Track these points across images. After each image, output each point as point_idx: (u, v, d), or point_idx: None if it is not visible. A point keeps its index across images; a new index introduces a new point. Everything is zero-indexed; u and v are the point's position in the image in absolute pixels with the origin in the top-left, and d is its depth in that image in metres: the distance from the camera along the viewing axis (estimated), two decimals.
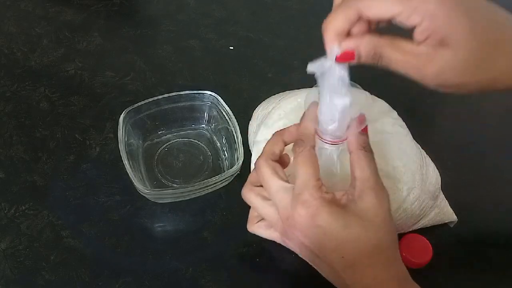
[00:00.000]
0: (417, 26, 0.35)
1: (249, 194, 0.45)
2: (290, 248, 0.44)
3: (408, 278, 0.41)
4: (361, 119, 0.41)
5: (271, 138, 0.44)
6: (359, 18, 0.38)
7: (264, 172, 0.42)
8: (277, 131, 0.44)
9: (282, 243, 0.45)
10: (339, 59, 0.39)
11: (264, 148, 0.44)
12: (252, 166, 0.55)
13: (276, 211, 0.42)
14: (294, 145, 0.42)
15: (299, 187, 0.40)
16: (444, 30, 0.34)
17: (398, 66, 0.37)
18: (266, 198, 0.44)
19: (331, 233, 0.39)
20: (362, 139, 0.41)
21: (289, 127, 0.44)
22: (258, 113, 0.59)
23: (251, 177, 0.46)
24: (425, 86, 0.37)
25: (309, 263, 0.43)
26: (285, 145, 0.44)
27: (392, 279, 0.40)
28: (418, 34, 0.36)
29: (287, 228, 0.41)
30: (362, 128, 0.41)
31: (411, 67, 0.36)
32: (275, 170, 0.42)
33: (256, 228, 0.48)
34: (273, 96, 0.60)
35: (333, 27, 0.40)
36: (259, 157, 0.43)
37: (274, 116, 0.54)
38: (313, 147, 0.41)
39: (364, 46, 0.38)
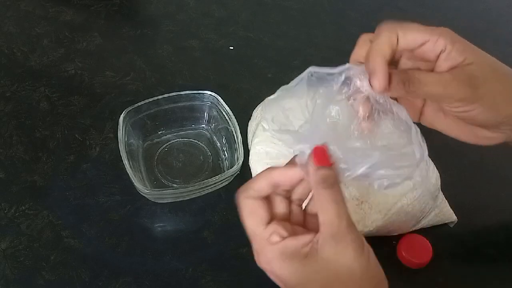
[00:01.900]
0: (442, 52, 0.38)
1: (240, 193, 0.39)
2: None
3: None
4: (317, 153, 0.36)
5: (258, 175, 0.39)
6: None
7: (240, 209, 0.38)
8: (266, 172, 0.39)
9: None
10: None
11: (247, 182, 0.39)
12: (251, 166, 0.55)
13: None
14: (243, 189, 0.38)
15: (251, 237, 0.37)
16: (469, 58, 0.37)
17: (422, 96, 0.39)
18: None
19: (291, 286, 0.36)
20: (319, 175, 0.35)
21: (278, 170, 0.38)
22: (258, 112, 0.59)
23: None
24: None
25: None
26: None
27: None
28: (442, 61, 0.38)
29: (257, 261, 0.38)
30: (321, 164, 0.36)
31: (433, 95, 0.38)
32: (248, 210, 0.38)
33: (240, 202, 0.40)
34: (272, 96, 0.60)
35: (380, 53, 0.38)
36: (240, 189, 0.39)
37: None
38: (256, 197, 0.37)
39: (395, 74, 0.37)
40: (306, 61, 0.73)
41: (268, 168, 0.38)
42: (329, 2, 0.85)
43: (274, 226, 0.36)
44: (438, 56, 0.38)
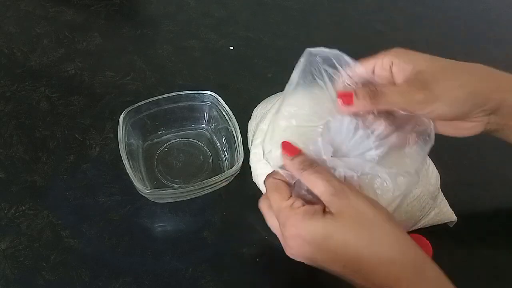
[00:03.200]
0: (391, 66, 0.45)
1: (261, 203, 0.46)
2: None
3: (425, 258, 0.40)
4: (285, 146, 0.43)
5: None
6: None
7: (267, 189, 0.44)
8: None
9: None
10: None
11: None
12: (252, 166, 0.55)
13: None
14: (269, 174, 0.45)
15: (276, 214, 0.42)
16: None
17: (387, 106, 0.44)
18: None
19: (320, 248, 0.39)
20: (295, 163, 0.42)
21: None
22: (258, 112, 0.59)
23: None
24: None
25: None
26: None
27: (406, 266, 0.39)
28: (396, 74, 0.45)
29: (286, 247, 0.42)
30: (291, 154, 0.43)
31: (396, 104, 0.44)
32: (273, 187, 0.43)
33: (267, 183, 0.46)
34: (273, 95, 0.60)
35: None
36: (268, 175, 0.45)
37: (269, 117, 0.54)
38: (277, 178, 0.44)
39: (361, 89, 0.44)
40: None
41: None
42: (329, 2, 0.85)
43: (294, 198, 0.42)
44: (391, 72, 0.45)
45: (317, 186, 0.41)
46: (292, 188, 0.44)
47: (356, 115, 0.44)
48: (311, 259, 0.41)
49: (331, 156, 0.44)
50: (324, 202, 0.41)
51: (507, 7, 0.94)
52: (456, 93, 0.43)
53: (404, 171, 0.44)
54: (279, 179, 0.44)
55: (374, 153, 0.44)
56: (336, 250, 0.39)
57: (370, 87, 0.44)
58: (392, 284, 0.38)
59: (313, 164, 0.42)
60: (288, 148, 0.43)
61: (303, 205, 0.41)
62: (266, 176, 0.45)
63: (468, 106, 0.43)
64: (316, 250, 0.40)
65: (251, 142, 0.57)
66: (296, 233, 0.40)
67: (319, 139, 0.44)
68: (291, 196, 0.42)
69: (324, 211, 0.40)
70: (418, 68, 0.43)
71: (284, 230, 0.41)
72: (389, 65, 0.45)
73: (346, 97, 0.44)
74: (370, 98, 0.43)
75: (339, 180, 0.41)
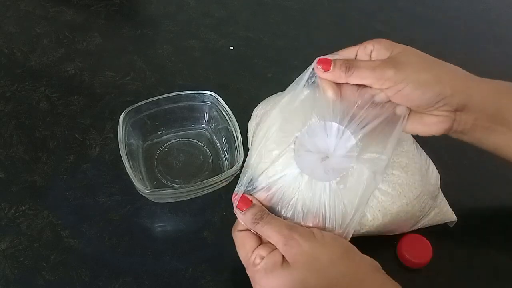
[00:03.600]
0: (372, 51, 0.47)
1: (234, 234, 0.47)
2: None
3: (377, 268, 0.43)
4: (241, 199, 0.45)
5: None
6: None
7: (235, 242, 0.46)
8: None
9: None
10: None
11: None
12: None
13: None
14: (234, 226, 0.47)
15: (246, 268, 0.44)
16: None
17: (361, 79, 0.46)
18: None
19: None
20: (247, 217, 0.44)
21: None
22: (258, 112, 0.59)
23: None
24: None
25: None
26: None
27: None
28: (374, 58, 0.47)
29: None
30: (245, 207, 0.45)
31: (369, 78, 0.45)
32: (239, 242, 0.45)
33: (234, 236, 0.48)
34: (272, 96, 0.60)
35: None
36: (233, 226, 0.47)
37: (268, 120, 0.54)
38: (240, 230, 0.46)
39: (338, 60, 0.46)
40: (306, 61, 0.73)
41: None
42: (329, 2, 0.85)
43: (256, 251, 0.43)
44: (371, 57, 0.47)
45: (271, 237, 0.43)
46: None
47: (333, 88, 0.46)
48: None
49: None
50: (280, 250, 0.42)
51: (507, 7, 0.94)
52: (424, 76, 0.44)
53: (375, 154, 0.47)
54: (243, 230, 0.45)
55: (354, 142, 0.46)
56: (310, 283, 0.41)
57: (345, 60, 0.46)
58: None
59: (263, 216, 0.44)
60: (241, 202, 0.45)
61: (262, 259, 0.42)
62: (233, 229, 0.46)
63: (435, 93, 0.44)
64: None
65: (251, 142, 0.57)
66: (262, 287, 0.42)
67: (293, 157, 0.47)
68: (254, 248, 0.44)
69: (284, 259, 0.42)
70: (396, 51, 0.46)
71: (253, 283, 0.43)
72: (370, 50, 0.47)
73: (325, 64, 0.46)
74: (346, 68, 0.45)
75: (289, 226, 0.43)
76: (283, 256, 0.42)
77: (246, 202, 0.45)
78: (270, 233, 0.43)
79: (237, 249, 0.45)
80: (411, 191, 0.49)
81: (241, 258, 0.45)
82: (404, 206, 0.49)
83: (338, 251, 0.42)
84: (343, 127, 0.46)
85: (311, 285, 0.41)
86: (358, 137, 0.46)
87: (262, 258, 0.42)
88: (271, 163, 0.47)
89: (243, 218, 0.45)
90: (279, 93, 0.60)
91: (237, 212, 0.45)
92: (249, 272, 0.44)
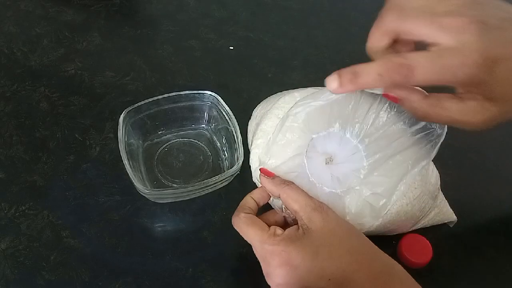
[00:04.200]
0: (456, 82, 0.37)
1: (236, 222, 0.46)
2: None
3: (393, 266, 0.43)
4: (264, 172, 0.47)
5: (244, 198, 0.48)
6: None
7: (240, 227, 0.45)
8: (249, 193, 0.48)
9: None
10: (386, 96, 0.43)
11: (239, 206, 0.47)
12: (252, 166, 0.55)
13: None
14: (237, 212, 0.46)
15: (258, 246, 0.43)
16: (485, 86, 0.36)
17: (446, 122, 0.42)
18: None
19: (308, 267, 0.40)
20: (277, 180, 0.46)
21: (256, 189, 0.49)
22: (258, 112, 0.59)
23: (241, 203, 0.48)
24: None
25: None
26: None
27: (381, 272, 0.42)
28: (459, 88, 0.38)
29: (273, 277, 0.43)
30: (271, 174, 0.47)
31: (457, 122, 0.39)
32: (249, 222, 0.44)
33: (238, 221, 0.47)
34: (273, 95, 0.60)
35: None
36: (234, 213, 0.46)
37: (272, 117, 0.54)
38: (251, 212, 0.46)
39: (412, 103, 0.41)
40: (306, 61, 0.73)
41: (249, 193, 0.48)
42: (329, 2, 0.85)
43: (273, 226, 0.43)
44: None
45: (299, 200, 0.43)
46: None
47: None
48: (298, 282, 0.41)
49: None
50: (303, 217, 0.42)
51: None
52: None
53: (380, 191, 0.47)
54: (248, 212, 0.45)
55: (363, 164, 0.47)
56: (323, 264, 0.40)
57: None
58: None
59: (290, 183, 0.45)
60: (266, 171, 0.47)
61: (284, 230, 0.42)
62: (233, 216, 0.46)
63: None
64: (305, 271, 0.41)
65: (251, 142, 0.57)
66: (285, 259, 0.41)
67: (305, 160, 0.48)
68: (269, 226, 0.43)
69: (299, 230, 0.42)
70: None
71: (271, 260, 0.42)
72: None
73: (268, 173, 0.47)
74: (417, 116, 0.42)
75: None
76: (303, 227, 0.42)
77: (270, 173, 0.47)
78: (300, 196, 0.43)
79: (244, 230, 0.44)
80: (411, 191, 0.49)
81: (251, 237, 0.43)
82: (404, 206, 0.49)
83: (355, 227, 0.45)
84: (360, 147, 0.47)
85: (335, 253, 0.41)
86: (369, 162, 0.47)
87: (283, 230, 0.43)
88: (282, 160, 0.48)
89: (271, 182, 0.45)
90: (279, 93, 0.60)
91: (264, 180, 0.46)
92: (266, 248, 0.42)
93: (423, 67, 0.36)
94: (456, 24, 0.35)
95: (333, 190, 0.47)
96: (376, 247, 0.44)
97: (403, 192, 0.48)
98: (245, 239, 0.44)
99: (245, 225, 0.44)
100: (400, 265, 0.43)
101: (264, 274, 0.43)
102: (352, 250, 0.42)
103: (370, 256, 0.42)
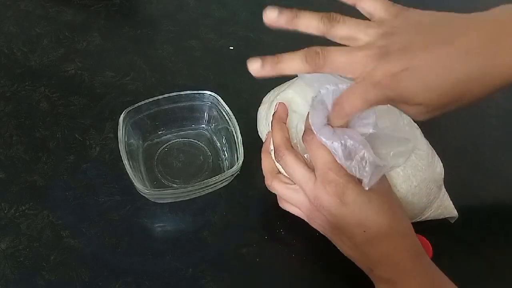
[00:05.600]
0: None
1: (274, 183, 0.49)
2: (312, 226, 0.48)
3: (420, 250, 0.45)
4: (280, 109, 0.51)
5: (277, 131, 0.48)
6: None
7: (288, 160, 0.46)
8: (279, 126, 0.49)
9: (306, 219, 0.48)
10: None
11: (276, 140, 0.48)
12: (259, 116, 0.56)
13: (301, 194, 0.46)
14: (304, 134, 0.45)
15: (322, 168, 0.43)
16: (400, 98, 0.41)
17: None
18: (288, 183, 0.48)
19: (355, 209, 0.43)
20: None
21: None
22: (267, 99, 0.58)
23: (266, 167, 0.51)
24: None
25: (329, 238, 0.47)
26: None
27: (407, 250, 0.44)
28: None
29: (314, 209, 0.45)
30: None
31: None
32: (296, 156, 0.46)
33: (276, 184, 0.49)
34: (282, 84, 0.60)
35: None
36: (278, 147, 0.47)
37: (289, 91, 0.54)
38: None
39: None
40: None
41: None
42: (329, 2, 0.85)
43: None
44: None
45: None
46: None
47: None
48: (337, 220, 0.44)
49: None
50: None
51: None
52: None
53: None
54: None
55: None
56: (367, 213, 0.43)
57: None
58: (398, 259, 0.43)
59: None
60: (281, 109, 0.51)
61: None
62: (283, 156, 0.46)
63: None
64: (349, 211, 0.43)
65: (260, 130, 0.57)
66: (340, 192, 0.43)
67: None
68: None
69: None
70: None
71: (327, 186, 0.43)
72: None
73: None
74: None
75: None
76: None
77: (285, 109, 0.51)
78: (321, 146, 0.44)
79: (314, 150, 0.44)
80: (418, 174, 0.49)
81: (320, 156, 0.43)
82: (412, 187, 0.49)
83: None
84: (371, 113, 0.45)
85: (384, 208, 0.43)
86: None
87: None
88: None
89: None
90: (287, 82, 0.59)
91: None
92: (325, 175, 0.43)
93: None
94: (362, 59, 0.42)
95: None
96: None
97: (409, 174, 0.49)
98: (290, 172, 0.46)
99: (315, 147, 0.44)
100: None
101: (308, 198, 0.45)
102: (394, 217, 0.44)
103: (406, 232, 0.45)
